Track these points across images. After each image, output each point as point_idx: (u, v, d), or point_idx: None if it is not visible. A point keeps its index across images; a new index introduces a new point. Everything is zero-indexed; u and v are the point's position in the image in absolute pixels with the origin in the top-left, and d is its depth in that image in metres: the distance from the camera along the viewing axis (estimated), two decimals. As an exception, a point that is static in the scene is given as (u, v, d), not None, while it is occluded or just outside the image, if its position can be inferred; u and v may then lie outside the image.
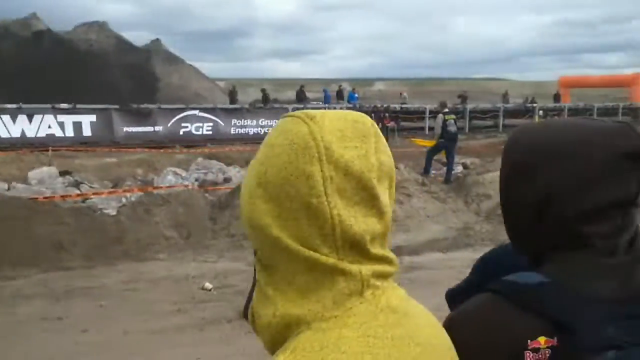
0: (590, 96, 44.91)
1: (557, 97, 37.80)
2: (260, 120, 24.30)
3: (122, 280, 7.25)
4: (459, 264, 7.61)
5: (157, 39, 44.28)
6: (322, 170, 0.71)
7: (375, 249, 0.76)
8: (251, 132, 23.90)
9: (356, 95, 30.66)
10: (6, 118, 19.64)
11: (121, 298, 6.58)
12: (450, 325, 0.90)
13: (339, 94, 32.07)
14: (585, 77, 54.44)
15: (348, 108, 27.86)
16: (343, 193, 0.72)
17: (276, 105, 27.93)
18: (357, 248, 0.73)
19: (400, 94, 31.35)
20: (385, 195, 0.77)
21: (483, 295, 0.95)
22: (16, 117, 19.76)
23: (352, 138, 0.74)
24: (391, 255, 0.79)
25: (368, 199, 0.74)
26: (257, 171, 0.75)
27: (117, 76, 36.07)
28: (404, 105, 29.99)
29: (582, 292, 0.87)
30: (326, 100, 29.65)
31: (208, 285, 6.95)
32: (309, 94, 31.87)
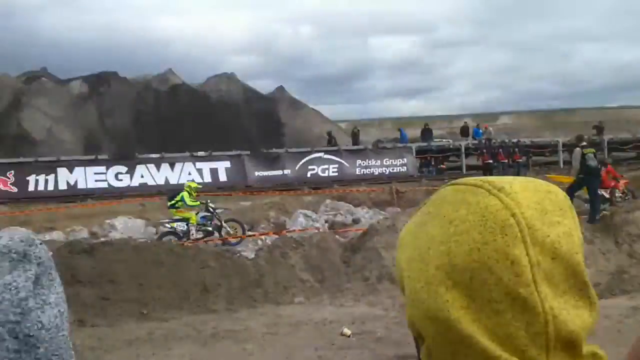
0: None
1: None
2: (384, 160, 24.36)
3: (264, 323, 7.42)
4: (616, 313, 6.96)
5: (281, 86, 46.36)
6: (527, 254, 0.59)
7: (586, 347, 0.63)
8: (376, 172, 24.00)
9: (480, 130, 29.84)
10: (151, 167, 21.36)
11: (264, 342, 6.72)
12: None
13: (464, 131, 31.41)
14: None
15: (474, 144, 27.18)
16: (551, 280, 0.60)
17: (399, 145, 27.93)
18: (570, 348, 0.61)
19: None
20: None
21: None
22: (160, 165, 21.44)
23: (553, 212, 0.63)
24: (600, 352, 0.65)
25: (578, 286, 0.62)
26: (435, 251, 0.63)
27: (246, 123, 38.11)
28: (534, 140, 28.67)
29: None
30: (402, 140, 29.08)
31: (347, 331, 6.90)
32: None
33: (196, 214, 14.17)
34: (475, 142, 27.69)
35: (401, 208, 17.81)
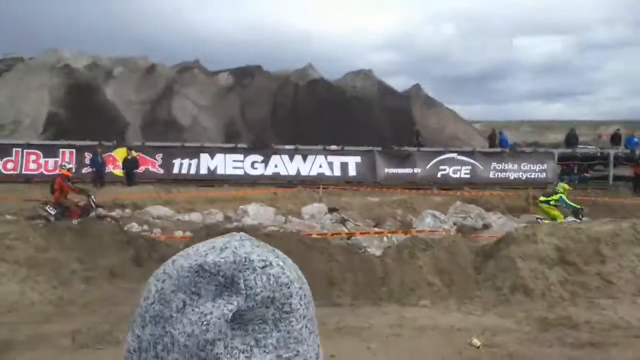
0: None
1: None
2: (522, 165, 23.08)
3: (388, 323, 7.26)
4: None
5: (417, 84, 45.63)
6: None
7: None
8: (512, 177, 22.83)
9: (636, 139, 27.19)
10: (285, 157, 22.03)
11: (388, 342, 6.56)
12: None
13: (615, 139, 28.87)
14: None
15: (625, 154, 24.84)
16: None
17: (540, 150, 26.26)
18: None
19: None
20: None
21: None
22: (293, 157, 22.04)
23: None
24: None
25: None
26: None
27: (379, 120, 38.03)
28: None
29: None
30: (502, 142, 26.84)
31: (476, 341, 6.54)
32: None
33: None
34: (627, 151, 25.31)
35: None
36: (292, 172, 21.93)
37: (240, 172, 22.17)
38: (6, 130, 33.31)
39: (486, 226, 15.89)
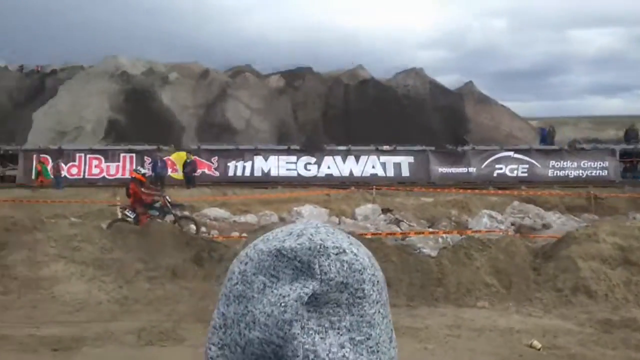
0: None
1: None
2: (582, 162, 22.37)
3: (445, 324, 7.22)
4: None
5: (470, 82, 44.83)
6: None
7: None
8: (571, 175, 22.17)
9: None
10: (337, 159, 22.13)
11: (446, 344, 6.53)
12: None
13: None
14: None
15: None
16: None
17: (600, 146, 25.39)
18: None
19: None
20: None
21: None
22: (346, 158, 22.13)
23: None
24: None
25: None
26: None
27: (431, 119, 37.60)
28: None
29: None
30: (543, 140, 25.78)
31: (537, 343, 6.43)
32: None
33: None
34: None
35: (599, 216, 16.25)
36: (345, 173, 22.02)
37: (293, 173, 22.42)
38: (69, 136, 34.76)
39: (545, 226, 15.49)
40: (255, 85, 39.38)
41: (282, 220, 16.16)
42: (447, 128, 35.83)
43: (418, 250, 10.85)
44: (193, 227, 13.39)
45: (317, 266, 0.66)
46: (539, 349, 6.33)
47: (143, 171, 14.58)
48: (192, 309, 7.57)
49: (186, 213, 14.68)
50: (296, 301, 0.65)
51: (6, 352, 6.19)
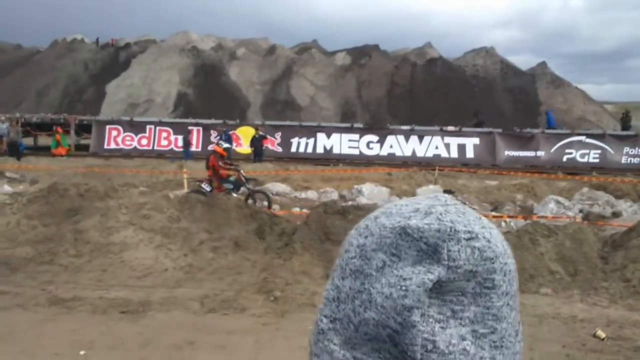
0: None
1: None
2: (660, 150, 21.25)
3: (506, 309, 7.10)
4: None
5: (543, 62, 43.19)
6: None
7: None
8: (647, 163, 21.10)
9: None
10: (400, 138, 21.90)
11: (505, 328, 6.43)
12: None
13: None
14: None
15: None
16: None
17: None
18: None
19: None
20: None
21: None
22: (409, 137, 21.87)
23: None
24: None
25: None
26: None
27: (501, 100, 36.56)
28: None
29: None
30: (549, 125, 24.13)
31: (601, 333, 6.24)
32: None
33: None
34: None
35: (676, 206, 15.41)
36: (408, 153, 21.81)
37: (355, 152, 22.41)
38: (140, 108, 36.02)
39: (616, 214, 14.85)
40: (320, 62, 39.39)
41: (342, 198, 16.21)
42: (517, 110, 34.80)
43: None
44: (265, 203, 13.61)
45: (445, 251, 0.60)
46: (603, 339, 6.14)
47: (225, 145, 14.65)
48: (253, 279, 7.76)
49: (259, 188, 14.97)
50: (419, 287, 0.59)
51: (78, 312, 6.57)
